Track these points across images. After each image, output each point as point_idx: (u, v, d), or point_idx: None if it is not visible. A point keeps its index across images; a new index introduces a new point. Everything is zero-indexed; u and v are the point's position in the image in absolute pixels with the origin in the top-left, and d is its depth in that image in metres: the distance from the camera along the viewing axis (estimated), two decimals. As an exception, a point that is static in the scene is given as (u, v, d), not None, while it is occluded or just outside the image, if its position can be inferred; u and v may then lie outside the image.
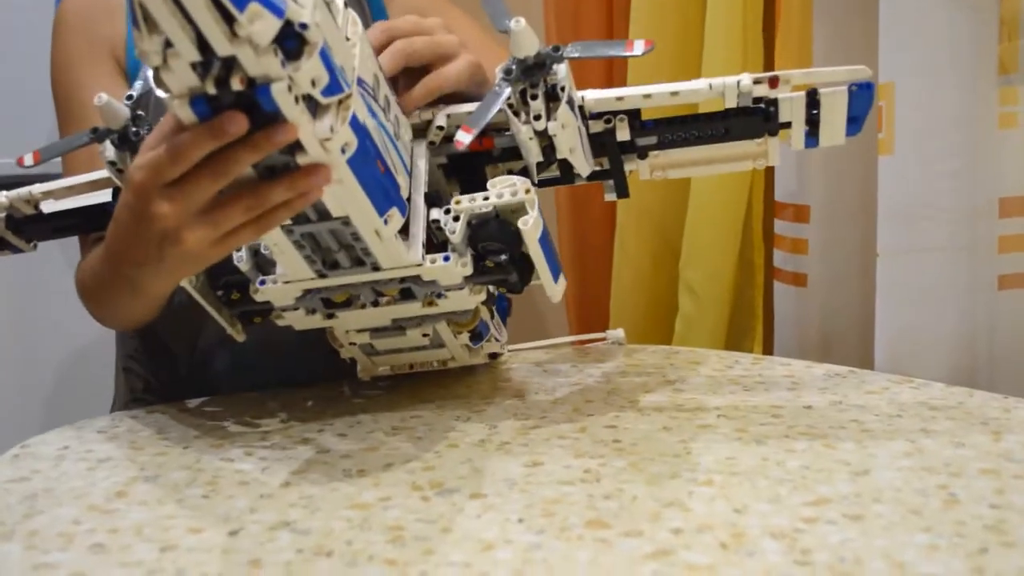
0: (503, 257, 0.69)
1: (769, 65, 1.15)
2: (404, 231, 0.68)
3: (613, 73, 1.32)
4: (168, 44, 0.50)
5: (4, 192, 0.82)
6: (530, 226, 0.67)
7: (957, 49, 0.92)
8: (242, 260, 0.71)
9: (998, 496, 0.60)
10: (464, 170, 0.77)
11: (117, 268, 0.71)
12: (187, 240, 0.61)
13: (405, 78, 0.74)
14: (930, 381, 0.85)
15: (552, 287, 0.72)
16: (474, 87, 0.76)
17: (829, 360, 0.94)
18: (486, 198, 0.69)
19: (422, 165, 0.73)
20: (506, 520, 0.59)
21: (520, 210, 0.69)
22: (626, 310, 1.30)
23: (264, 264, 0.72)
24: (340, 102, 0.57)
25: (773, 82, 0.72)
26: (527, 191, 0.68)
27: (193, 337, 0.96)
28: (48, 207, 0.82)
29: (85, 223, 0.83)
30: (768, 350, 1.21)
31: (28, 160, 0.79)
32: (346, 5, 0.61)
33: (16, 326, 1.78)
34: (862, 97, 0.72)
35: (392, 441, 0.74)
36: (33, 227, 0.84)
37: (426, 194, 0.71)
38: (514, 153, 0.75)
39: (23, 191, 0.81)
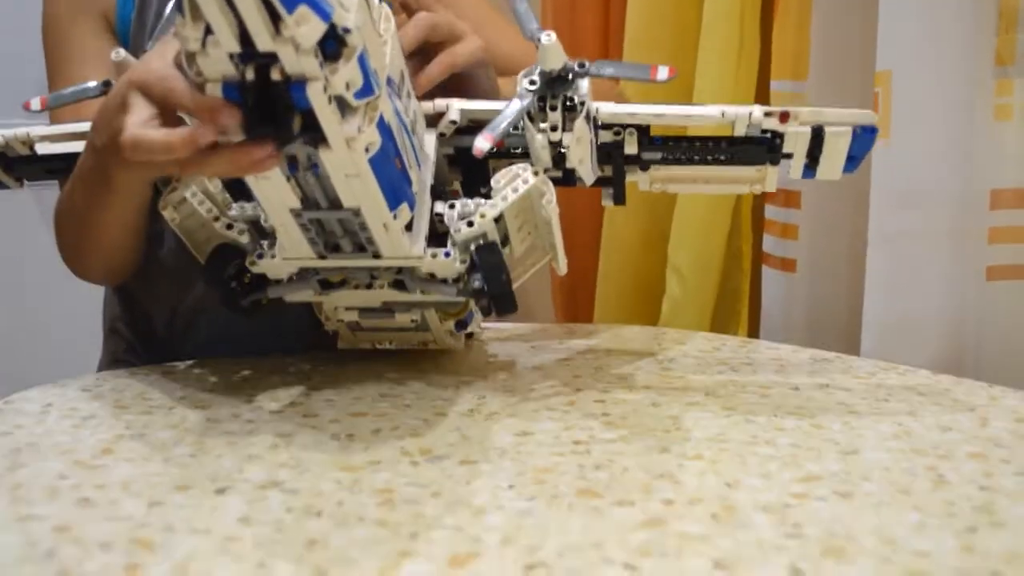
0: (478, 285, 0.71)
1: (766, 51, 1.15)
2: (408, 223, 0.68)
3: (608, 53, 1.32)
4: (208, 31, 0.50)
5: (1, 132, 0.81)
6: (552, 205, 0.71)
7: (955, 39, 0.93)
8: (243, 232, 0.71)
9: (987, 478, 0.60)
10: (469, 162, 0.77)
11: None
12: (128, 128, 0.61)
13: (414, 61, 0.74)
14: (916, 368, 0.85)
15: (563, 259, 0.76)
16: (481, 68, 0.78)
17: (815, 346, 0.94)
18: (504, 197, 0.70)
19: (431, 156, 0.73)
20: (496, 487, 0.59)
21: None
22: (613, 291, 1.30)
23: (263, 232, 0.72)
24: (368, 103, 0.57)
25: (783, 117, 0.73)
26: (535, 173, 0.70)
27: (173, 301, 0.96)
28: (43, 149, 0.81)
29: None
30: (753, 335, 1.21)
31: (35, 105, 0.79)
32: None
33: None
34: (864, 140, 0.73)
35: (380, 408, 0.74)
36: (25, 167, 0.83)
37: (431, 186, 0.72)
38: (521, 152, 0.76)
39: (20, 131, 0.81)
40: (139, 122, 0.61)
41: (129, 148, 0.60)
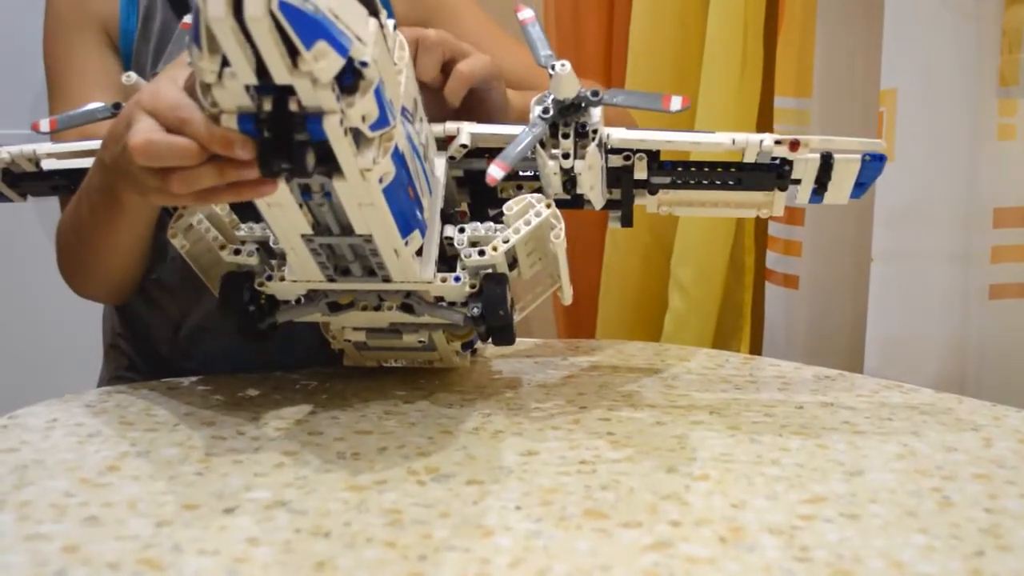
0: (477, 312, 0.71)
1: (769, 67, 1.15)
2: (419, 249, 0.69)
3: (612, 67, 1.32)
4: (225, 63, 0.50)
5: (7, 148, 0.81)
6: (560, 240, 0.71)
7: (959, 59, 0.93)
8: (251, 254, 0.72)
9: (992, 500, 0.60)
10: (478, 184, 0.77)
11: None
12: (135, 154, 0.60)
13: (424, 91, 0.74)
14: (919, 387, 0.85)
15: (569, 290, 0.77)
16: (494, 81, 0.78)
17: (817, 363, 0.94)
18: (517, 230, 0.70)
19: (441, 179, 0.74)
20: (504, 507, 0.59)
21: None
22: (615, 307, 1.30)
23: (271, 252, 0.73)
24: (383, 134, 0.57)
25: (794, 145, 0.72)
26: (548, 206, 0.71)
27: (176, 318, 0.96)
28: (48, 165, 0.81)
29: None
30: (755, 352, 1.21)
31: (44, 126, 0.79)
32: (395, 27, 0.61)
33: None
34: (873, 167, 0.73)
35: (385, 426, 0.74)
36: (30, 183, 0.83)
37: (441, 210, 0.72)
38: (531, 176, 0.77)
39: (27, 149, 0.81)
40: (146, 128, 0.59)
41: (140, 150, 0.59)
